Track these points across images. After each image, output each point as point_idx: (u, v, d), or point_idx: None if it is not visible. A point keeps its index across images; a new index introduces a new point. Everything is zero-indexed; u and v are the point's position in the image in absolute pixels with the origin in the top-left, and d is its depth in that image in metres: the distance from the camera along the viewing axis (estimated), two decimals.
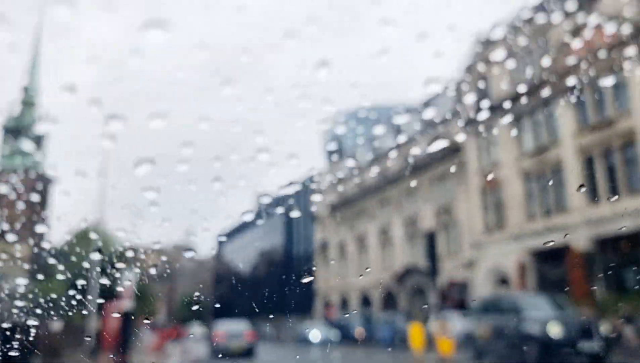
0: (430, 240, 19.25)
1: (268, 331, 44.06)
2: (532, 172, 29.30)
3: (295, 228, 64.23)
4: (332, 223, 48.28)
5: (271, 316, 52.87)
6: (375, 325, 31.37)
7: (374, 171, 42.53)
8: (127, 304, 17.38)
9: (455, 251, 33.95)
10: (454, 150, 33.92)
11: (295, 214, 66.48)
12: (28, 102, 54.18)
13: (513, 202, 30.06)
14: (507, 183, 30.32)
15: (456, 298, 33.60)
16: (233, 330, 21.51)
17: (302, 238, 60.69)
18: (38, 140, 48.86)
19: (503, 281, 31.09)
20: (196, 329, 35.55)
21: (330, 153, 50.64)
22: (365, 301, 42.10)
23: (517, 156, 29.93)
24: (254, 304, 63.20)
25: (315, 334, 32.94)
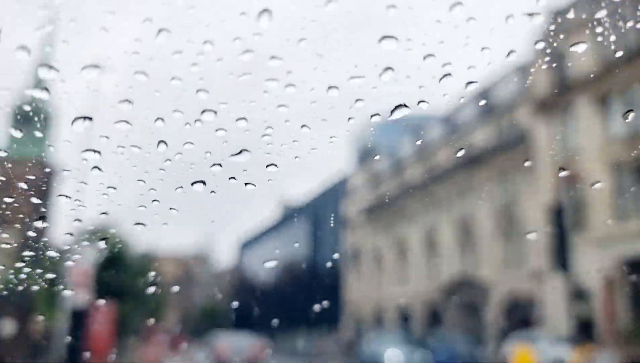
0: (558, 216, 13.74)
1: (297, 346, 38.78)
2: (623, 161, 23.67)
3: (321, 234, 58.86)
4: (365, 229, 42.92)
5: (290, 329, 47.54)
6: (423, 348, 25.74)
7: (417, 168, 37.13)
8: (80, 296, 13.45)
9: (519, 260, 28.27)
10: (520, 139, 28.46)
11: (321, 219, 61.33)
12: (41, 88, 50.45)
13: (597, 199, 24.39)
14: (590, 176, 24.67)
15: (519, 317, 27.94)
16: (238, 344, 19.45)
17: (329, 246, 55.30)
18: (49, 127, 45.00)
19: (580, 296, 25.35)
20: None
21: (363, 150, 45.37)
22: (404, 318, 36.55)
23: (603, 142, 24.33)
24: (275, 316, 57.92)
25: (393, 356, 21.91)
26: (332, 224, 55.07)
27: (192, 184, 3.13)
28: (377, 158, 43.82)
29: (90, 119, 2.79)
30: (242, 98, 3.21)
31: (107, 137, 3.10)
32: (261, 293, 76.45)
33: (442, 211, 33.60)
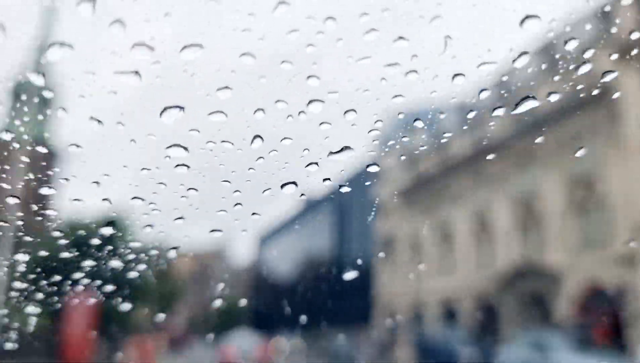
0: None
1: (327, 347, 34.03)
2: None
3: (348, 223, 53.93)
4: (401, 213, 37.87)
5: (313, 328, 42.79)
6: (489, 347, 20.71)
7: (464, 140, 32.02)
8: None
9: (601, 241, 23.05)
10: (599, 96, 23.23)
11: (348, 208, 56.39)
12: (39, 68, 46.82)
13: None
14: None
15: (600, 311, 22.78)
16: (244, 345, 17.94)
17: (357, 235, 50.36)
18: (48, 107, 41.35)
19: None
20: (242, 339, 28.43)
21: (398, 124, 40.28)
22: (449, 314, 31.46)
23: None
24: (297, 314, 53.28)
25: (473, 356, 16.48)
26: (361, 212, 50.13)
27: (282, 186, 3.00)
28: (418, 123, 38.69)
29: (182, 108, 2.61)
30: (356, 86, 3.01)
31: (197, 130, 2.86)
32: (282, 289, 71.76)
33: (496, 188, 28.45)
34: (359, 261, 50.02)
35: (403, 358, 29.79)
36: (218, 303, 76.46)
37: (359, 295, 49.61)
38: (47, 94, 3.18)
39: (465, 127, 25.44)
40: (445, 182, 32.50)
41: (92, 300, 15.06)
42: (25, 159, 3.19)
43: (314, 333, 42.69)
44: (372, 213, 49.38)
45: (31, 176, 3.22)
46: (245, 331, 32.28)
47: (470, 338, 21.17)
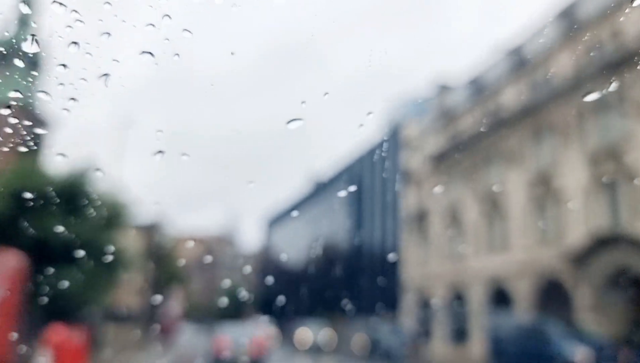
0: None
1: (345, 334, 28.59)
2: None
3: (371, 197, 48.33)
4: (436, 181, 32.17)
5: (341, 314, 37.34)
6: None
7: (517, 88, 26.23)
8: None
9: None
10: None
11: (366, 183, 50.75)
12: (23, 21, 41.13)
13: None
14: None
15: None
16: (239, 337, 15.91)
17: (382, 210, 44.77)
18: (34, 67, 35.86)
19: None
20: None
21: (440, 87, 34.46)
22: (501, 297, 25.82)
23: None
24: (311, 302, 47.69)
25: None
26: (382, 187, 44.49)
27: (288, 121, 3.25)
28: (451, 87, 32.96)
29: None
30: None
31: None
32: (295, 276, 66.34)
33: (564, 143, 22.68)
34: (384, 242, 44.45)
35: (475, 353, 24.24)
36: (224, 287, 70.84)
37: (383, 279, 44.08)
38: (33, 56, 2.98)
39: (515, 74, 19.67)
40: (494, 139, 26.71)
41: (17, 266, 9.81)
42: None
43: (339, 322, 37.52)
44: (396, 186, 43.82)
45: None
46: (259, 319, 29.46)
47: (579, 333, 15.60)
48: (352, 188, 53.49)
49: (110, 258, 16.87)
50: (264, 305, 62.94)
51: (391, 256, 40.08)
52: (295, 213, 71.74)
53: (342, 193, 56.81)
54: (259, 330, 18.33)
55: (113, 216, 19.26)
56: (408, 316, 33.15)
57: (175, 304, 27.00)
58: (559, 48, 23.50)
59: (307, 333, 24.25)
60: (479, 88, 30.07)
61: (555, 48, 23.81)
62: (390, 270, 41.39)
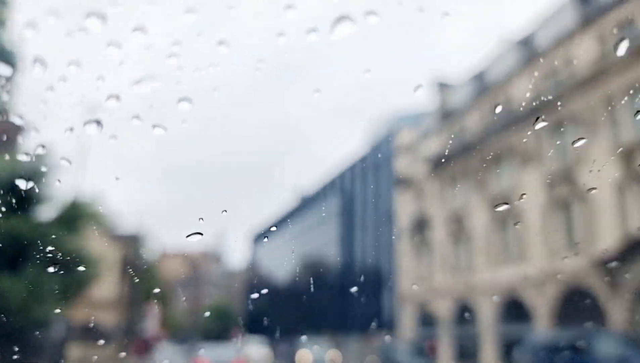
0: None
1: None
2: None
3: (363, 208, 45.53)
4: (438, 186, 29.47)
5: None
6: None
7: (524, 78, 23.75)
8: None
9: None
10: None
11: (355, 195, 47.95)
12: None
13: None
14: None
15: None
16: (219, 358, 14.60)
17: (375, 220, 41.95)
18: (10, 69, 32.97)
19: None
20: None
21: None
22: (516, 310, 23.00)
23: None
24: (299, 319, 44.50)
25: None
26: (377, 192, 41.73)
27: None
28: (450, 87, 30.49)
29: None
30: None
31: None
32: (280, 292, 63.06)
33: (591, 136, 20.10)
34: (378, 254, 41.55)
35: None
36: (210, 305, 67.30)
37: (377, 295, 41.08)
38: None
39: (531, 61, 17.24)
40: (505, 136, 24.11)
41: None
42: None
43: (340, 342, 34.48)
44: (390, 194, 41.11)
45: None
46: (250, 339, 27.44)
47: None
48: (335, 201, 50.89)
49: (63, 265, 13.85)
50: (252, 323, 59.48)
51: (386, 269, 37.19)
52: (274, 228, 68.86)
53: (330, 208, 53.91)
54: (243, 352, 17.37)
55: (71, 216, 16.33)
56: (407, 334, 30.17)
57: (151, 321, 23.86)
58: (574, 35, 21.13)
59: (307, 355, 21.22)
60: (484, 84, 27.60)
61: (568, 36, 21.44)
62: (385, 284, 38.42)
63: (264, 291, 68.19)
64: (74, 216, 16.54)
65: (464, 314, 26.02)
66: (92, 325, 26.28)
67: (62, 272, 14.03)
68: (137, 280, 32.24)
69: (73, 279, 15.25)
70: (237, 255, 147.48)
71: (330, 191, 55.62)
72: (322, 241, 52.26)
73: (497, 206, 20.94)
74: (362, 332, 43.04)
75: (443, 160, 28.78)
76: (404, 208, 32.83)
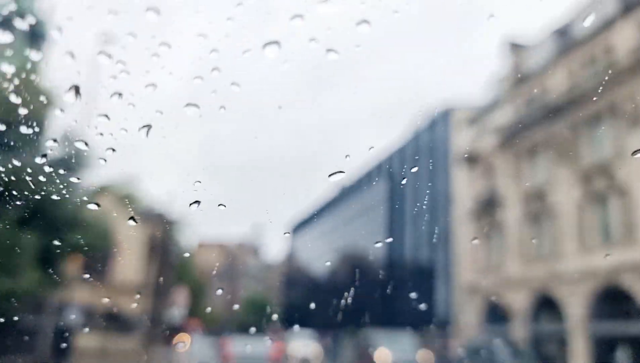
0: None
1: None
2: None
3: (414, 192, 41.24)
4: (510, 160, 25.07)
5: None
6: None
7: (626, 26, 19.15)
8: None
9: None
10: None
11: (405, 179, 43.65)
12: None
13: None
14: None
15: None
16: (251, 352, 13.36)
17: (430, 204, 37.64)
18: (38, 35, 30.55)
19: None
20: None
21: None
22: (615, 303, 18.52)
23: None
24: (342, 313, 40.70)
25: None
26: (428, 176, 37.39)
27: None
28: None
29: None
30: None
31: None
32: (321, 285, 59.30)
33: None
34: (430, 242, 37.27)
35: None
36: (247, 297, 64.49)
37: (431, 287, 36.84)
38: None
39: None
40: (606, 95, 19.56)
41: None
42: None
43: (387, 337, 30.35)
44: (447, 176, 36.75)
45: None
46: (296, 333, 26.01)
47: None
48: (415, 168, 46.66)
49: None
50: (291, 318, 55.90)
51: (442, 258, 32.92)
52: (313, 219, 65.07)
53: (375, 193, 49.62)
54: (286, 347, 15.80)
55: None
56: (470, 330, 25.89)
57: (180, 310, 20.43)
58: None
59: (387, 354, 17.21)
60: (570, 39, 23.03)
61: None
62: (441, 275, 34.14)
63: (303, 284, 64.60)
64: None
65: (546, 308, 21.62)
66: (114, 312, 23.05)
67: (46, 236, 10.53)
68: (167, 265, 29.00)
69: (63, 246, 11.69)
70: (275, 247, 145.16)
71: (376, 177, 51.48)
72: (368, 229, 48.20)
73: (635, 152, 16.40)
74: (413, 327, 38.77)
75: (518, 130, 24.34)
76: (468, 188, 28.51)
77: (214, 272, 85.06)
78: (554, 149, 22.21)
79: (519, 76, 25.49)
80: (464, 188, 29.09)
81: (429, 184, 38.99)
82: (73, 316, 20.68)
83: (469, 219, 28.09)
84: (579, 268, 20.06)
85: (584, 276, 19.81)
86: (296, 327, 30.19)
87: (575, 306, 20.19)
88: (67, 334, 16.90)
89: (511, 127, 24.85)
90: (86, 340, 20.73)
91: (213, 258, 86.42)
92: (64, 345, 16.20)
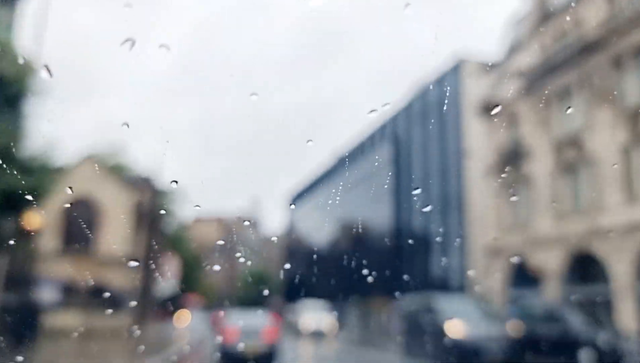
0: None
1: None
2: None
3: (423, 152, 38.49)
4: (536, 106, 22.26)
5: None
6: None
7: None
8: None
9: None
10: None
11: (413, 139, 40.89)
12: None
13: None
14: None
15: None
16: (248, 324, 13.00)
17: (440, 163, 34.93)
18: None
19: None
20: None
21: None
22: None
23: None
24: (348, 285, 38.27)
25: None
26: (438, 132, 34.57)
27: None
28: None
29: None
30: None
31: None
32: (323, 256, 56.94)
33: None
34: (443, 200, 34.62)
35: None
36: (246, 271, 61.91)
37: (444, 250, 34.39)
38: None
39: None
40: None
41: None
42: None
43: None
44: (459, 131, 33.93)
45: None
46: (311, 304, 25.57)
47: None
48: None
49: None
50: (292, 290, 53.65)
51: (455, 218, 30.35)
52: (316, 188, 62.23)
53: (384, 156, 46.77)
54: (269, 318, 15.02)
55: None
56: (494, 296, 23.43)
57: (171, 283, 17.83)
58: None
59: (459, 325, 14.68)
60: None
61: None
62: (455, 236, 31.61)
63: (304, 256, 62.21)
64: None
65: (585, 268, 19.08)
66: (98, 287, 20.42)
67: None
68: (158, 235, 26.32)
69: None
70: (275, 219, 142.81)
71: (379, 139, 48.59)
72: (372, 196, 45.54)
73: None
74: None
75: (545, 72, 21.48)
76: (486, 142, 25.77)
77: (212, 247, 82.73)
78: (590, 90, 19.42)
79: (544, 12, 22.53)
80: (481, 142, 26.35)
81: (441, 142, 36.22)
82: (48, 293, 18.05)
83: (488, 175, 25.42)
84: (625, 222, 17.46)
85: (631, 230, 17.24)
86: (306, 299, 27.89)
87: (621, 264, 17.65)
88: (37, 313, 14.36)
89: (537, 69, 21.99)
90: (66, 318, 18.21)
91: (211, 233, 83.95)
92: (33, 324, 13.66)
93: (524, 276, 22.23)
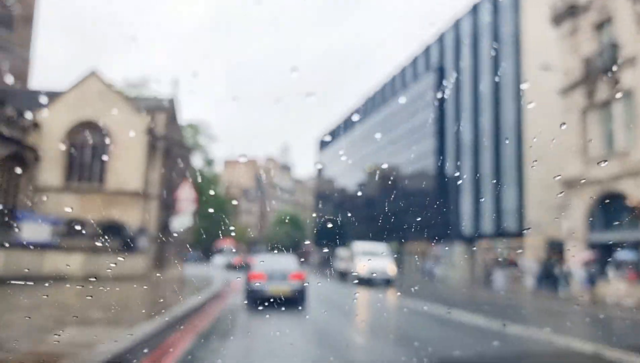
0: None
1: None
2: None
3: (472, 79, 33.87)
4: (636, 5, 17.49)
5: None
6: None
7: None
8: None
9: None
10: None
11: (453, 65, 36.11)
12: None
13: None
14: None
15: None
16: (275, 269, 13.11)
17: (493, 92, 30.43)
18: None
19: None
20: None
21: None
22: None
23: None
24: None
25: None
26: (494, 58, 29.80)
27: None
28: None
29: None
30: None
31: None
32: (360, 199, 53.29)
33: None
34: (496, 133, 30.27)
35: None
36: (279, 214, 59.00)
37: (501, 188, 30.35)
38: None
39: None
40: None
41: None
42: None
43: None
44: (517, 52, 28.99)
45: None
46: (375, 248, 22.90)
47: None
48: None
49: None
50: (324, 235, 50.48)
51: (510, 153, 26.08)
52: (356, 117, 57.78)
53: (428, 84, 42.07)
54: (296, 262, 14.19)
55: None
56: (579, 238, 19.43)
57: (185, 213, 14.58)
58: None
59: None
60: None
61: None
62: (514, 173, 27.45)
63: (337, 199, 58.62)
64: None
65: None
66: (110, 224, 17.14)
67: None
68: (176, 165, 22.88)
69: None
70: (306, 162, 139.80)
71: (420, 69, 43.80)
72: (414, 129, 41.22)
73: None
74: (468, 241, 32.65)
75: None
76: (564, 54, 21.14)
77: (243, 189, 79.84)
78: None
79: None
80: (555, 55, 21.72)
81: (493, 66, 31.53)
82: (40, 232, 14.93)
83: (567, 94, 20.92)
84: None
85: None
86: (359, 242, 24.48)
87: None
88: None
89: None
90: (68, 261, 15.10)
91: (242, 174, 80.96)
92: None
93: (616, 215, 18.11)
